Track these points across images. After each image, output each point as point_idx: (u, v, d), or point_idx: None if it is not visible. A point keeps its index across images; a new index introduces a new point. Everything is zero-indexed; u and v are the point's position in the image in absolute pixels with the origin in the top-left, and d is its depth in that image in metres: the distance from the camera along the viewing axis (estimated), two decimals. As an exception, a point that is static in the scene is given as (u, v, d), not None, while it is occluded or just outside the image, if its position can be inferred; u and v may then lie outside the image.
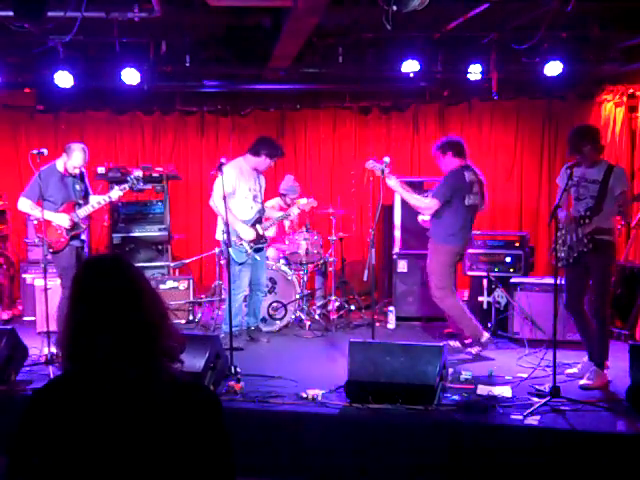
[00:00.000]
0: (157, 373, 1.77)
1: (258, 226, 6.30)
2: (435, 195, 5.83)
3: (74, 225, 5.94)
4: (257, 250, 6.30)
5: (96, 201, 6.07)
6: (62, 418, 1.71)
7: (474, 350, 5.83)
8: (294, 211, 6.75)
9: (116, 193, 6.10)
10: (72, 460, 1.69)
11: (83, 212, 6.00)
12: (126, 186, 6.16)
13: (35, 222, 5.97)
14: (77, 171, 6.06)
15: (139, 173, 7.79)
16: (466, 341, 5.94)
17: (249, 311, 6.52)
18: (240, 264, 6.20)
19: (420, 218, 6.13)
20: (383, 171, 5.70)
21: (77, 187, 6.08)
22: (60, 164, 5.99)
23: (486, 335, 5.87)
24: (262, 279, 6.53)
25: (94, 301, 1.77)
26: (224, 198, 5.53)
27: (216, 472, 1.73)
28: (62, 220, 5.88)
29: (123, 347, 1.74)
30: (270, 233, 6.70)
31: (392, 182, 5.86)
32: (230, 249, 6.04)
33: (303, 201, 6.77)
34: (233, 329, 6.16)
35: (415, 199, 5.98)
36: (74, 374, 1.78)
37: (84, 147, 6.01)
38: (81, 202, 6.05)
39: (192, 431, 1.70)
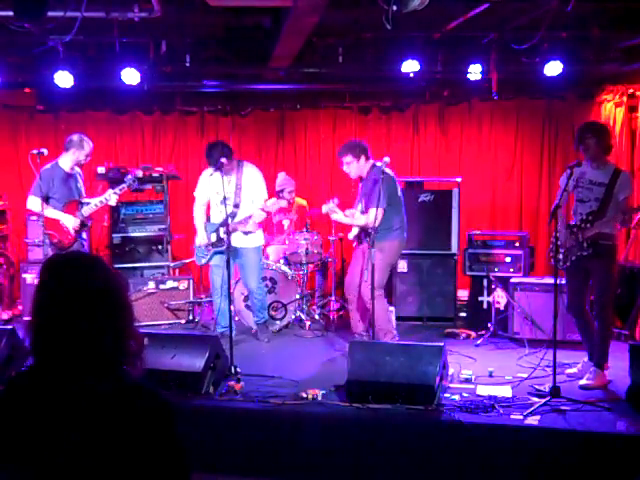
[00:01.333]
0: (111, 375, 1.74)
1: (221, 229, 6.15)
2: (376, 204, 5.55)
3: (81, 224, 6.04)
4: (219, 253, 6.19)
5: (98, 200, 6.17)
6: (15, 419, 1.70)
7: None
8: (257, 212, 6.17)
9: (113, 197, 6.15)
10: (22, 461, 1.68)
11: (88, 210, 6.10)
12: (124, 186, 6.23)
13: (41, 223, 5.98)
14: (88, 159, 6.20)
15: (139, 173, 7.82)
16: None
17: (252, 310, 6.57)
18: (203, 266, 6.42)
19: (351, 236, 6.00)
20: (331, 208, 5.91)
21: (78, 186, 6.18)
22: (65, 162, 6.06)
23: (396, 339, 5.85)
24: (250, 283, 6.36)
25: (55, 299, 1.74)
26: (224, 199, 5.57)
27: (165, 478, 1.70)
28: (69, 221, 5.99)
29: (82, 348, 1.71)
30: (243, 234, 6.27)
31: (337, 216, 5.97)
32: (195, 253, 6.37)
33: (271, 202, 6.20)
34: (220, 331, 6.17)
35: (358, 220, 5.85)
36: (36, 369, 1.77)
37: (82, 135, 6.15)
38: (82, 201, 6.12)
39: (139, 436, 1.67)
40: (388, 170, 5.81)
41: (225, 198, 5.82)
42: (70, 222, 5.99)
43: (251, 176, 6.24)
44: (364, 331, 6.01)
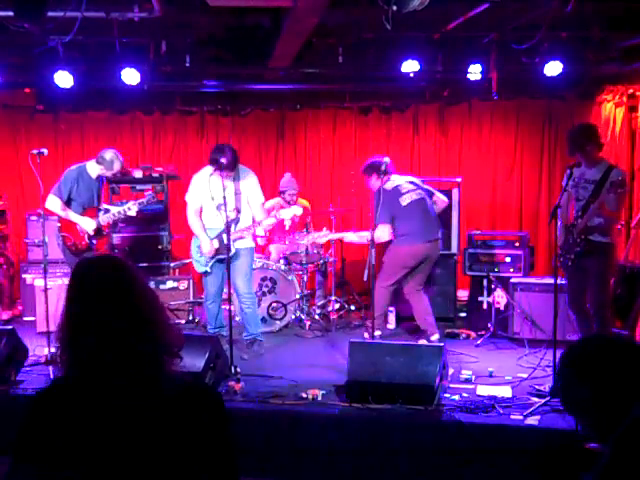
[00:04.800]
0: (159, 374, 1.75)
1: (224, 236, 5.67)
2: (381, 221, 5.91)
3: (97, 230, 5.97)
4: (221, 261, 5.90)
5: (117, 210, 6.07)
6: (65, 421, 1.69)
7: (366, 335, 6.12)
8: (268, 221, 6.03)
9: (133, 208, 6.09)
10: (74, 464, 1.67)
11: (106, 218, 6.02)
12: (144, 201, 6.16)
13: (58, 224, 5.96)
14: (115, 176, 6.30)
15: (139, 174, 7.83)
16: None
17: (244, 324, 6.18)
18: (202, 273, 6.12)
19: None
20: (325, 236, 6.41)
21: (100, 193, 6.14)
22: (92, 169, 6.01)
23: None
24: (239, 283, 5.95)
25: (92, 301, 1.75)
26: (224, 198, 5.48)
27: (221, 473, 1.72)
28: (88, 225, 5.90)
29: (124, 347, 1.72)
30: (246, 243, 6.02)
31: (348, 238, 6.37)
32: (192, 259, 6.10)
33: (285, 212, 6.04)
34: (211, 331, 6.05)
35: (368, 236, 5.88)
36: (76, 375, 1.76)
37: (117, 152, 6.06)
38: (102, 208, 6.07)
39: (197, 433, 1.68)
40: (388, 184, 6.01)
41: (225, 203, 5.51)
42: (89, 227, 5.90)
43: (249, 181, 5.95)
44: (429, 326, 6.17)
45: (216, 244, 5.91)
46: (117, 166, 6.03)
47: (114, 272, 1.81)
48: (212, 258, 5.95)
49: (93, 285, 1.78)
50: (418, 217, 5.99)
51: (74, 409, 1.70)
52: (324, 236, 6.43)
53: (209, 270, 6.00)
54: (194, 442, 1.68)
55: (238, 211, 5.91)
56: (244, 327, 6.14)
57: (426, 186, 6.29)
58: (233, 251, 5.74)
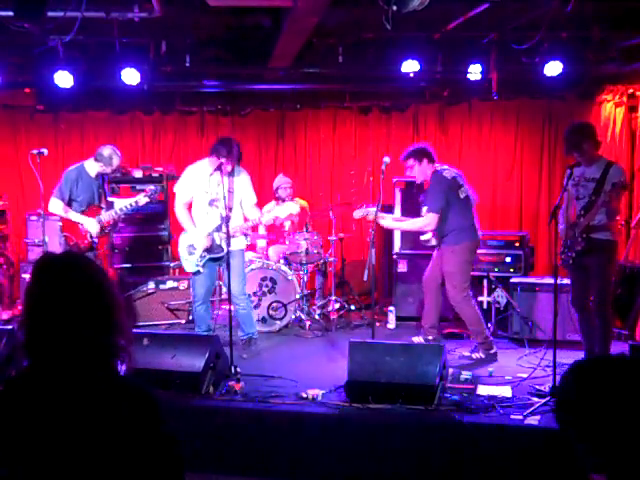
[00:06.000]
0: (104, 374, 1.78)
1: (216, 234, 5.72)
2: (431, 209, 5.66)
3: (100, 229, 5.98)
4: (213, 260, 5.84)
5: (118, 207, 6.07)
6: (15, 413, 1.75)
7: (475, 355, 5.75)
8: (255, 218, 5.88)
9: (144, 199, 6.06)
10: (21, 456, 1.72)
11: (107, 216, 6.02)
12: (141, 197, 6.10)
13: (59, 224, 5.98)
14: (116, 172, 6.26)
15: (139, 174, 7.83)
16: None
17: (239, 325, 6.07)
18: (193, 274, 5.95)
19: (423, 238, 5.93)
20: (375, 213, 5.69)
21: (100, 190, 6.15)
22: (91, 168, 6.02)
23: (495, 348, 5.75)
24: (233, 286, 5.76)
25: (45, 299, 1.79)
26: (225, 198, 5.46)
27: (158, 472, 1.74)
28: (92, 226, 5.92)
29: (71, 346, 1.76)
30: (240, 243, 5.95)
31: (386, 222, 6.01)
32: (181, 258, 5.95)
33: (280, 210, 5.92)
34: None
35: (412, 224, 5.92)
36: (31, 369, 1.83)
37: (114, 148, 6.05)
38: (103, 206, 6.08)
39: (131, 431, 1.71)
40: (447, 173, 5.75)
41: (224, 198, 5.47)
42: (93, 227, 5.91)
43: (243, 180, 5.90)
44: (431, 327, 5.91)
45: (208, 242, 5.80)
46: (116, 161, 6.01)
47: (71, 272, 1.84)
48: (206, 254, 5.82)
49: (50, 283, 1.81)
50: (471, 213, 5.76)
51: (22, 404, 1.77)
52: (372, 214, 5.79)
53: (201, 270, 5.86)
54: (127, 444, 1.70)
55: (230, 209, 5.79)
56: (240, 327, 6.08)
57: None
58: (225, 250, 5.57)
